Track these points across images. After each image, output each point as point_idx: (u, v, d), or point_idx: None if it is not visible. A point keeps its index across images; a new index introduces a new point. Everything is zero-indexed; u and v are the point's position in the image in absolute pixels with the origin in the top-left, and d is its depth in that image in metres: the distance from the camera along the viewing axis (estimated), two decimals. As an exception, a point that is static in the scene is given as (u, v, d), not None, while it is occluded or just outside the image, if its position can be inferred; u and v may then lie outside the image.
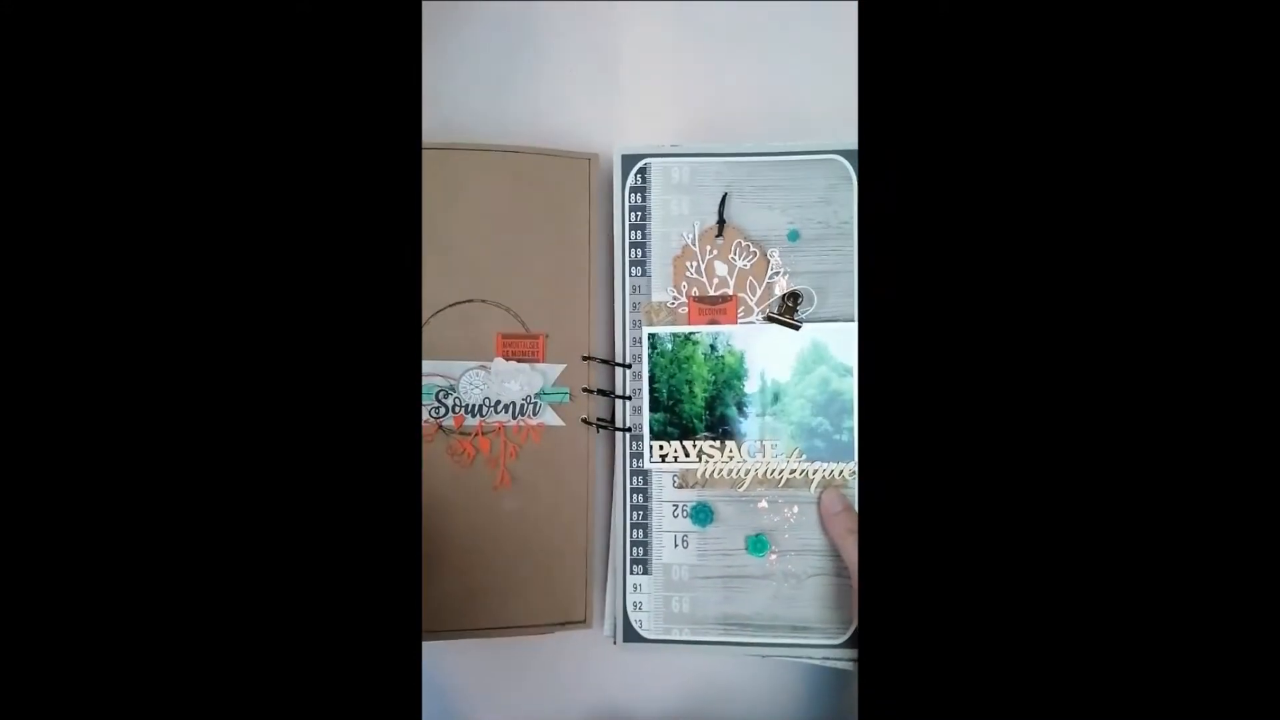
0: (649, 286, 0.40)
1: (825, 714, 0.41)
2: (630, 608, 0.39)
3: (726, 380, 0.40)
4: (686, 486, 0.39)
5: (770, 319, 0.39)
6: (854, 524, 0.37)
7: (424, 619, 0.36)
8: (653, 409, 0.40)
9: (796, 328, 0.39)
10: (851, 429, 0.38)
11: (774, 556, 0.39)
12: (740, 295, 0.40)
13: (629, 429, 0.40)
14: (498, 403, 0.39)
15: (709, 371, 0.40)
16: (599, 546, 0.40)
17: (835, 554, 0.38)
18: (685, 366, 0.40)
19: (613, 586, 0.39)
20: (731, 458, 0.39)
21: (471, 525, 0.38)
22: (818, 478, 0.39)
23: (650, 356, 0.40)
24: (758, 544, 0.39)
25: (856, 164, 0.39)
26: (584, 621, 0.38)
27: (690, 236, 0.40)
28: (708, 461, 0.39)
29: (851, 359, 0.39)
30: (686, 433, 0.39)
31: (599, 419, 0.40)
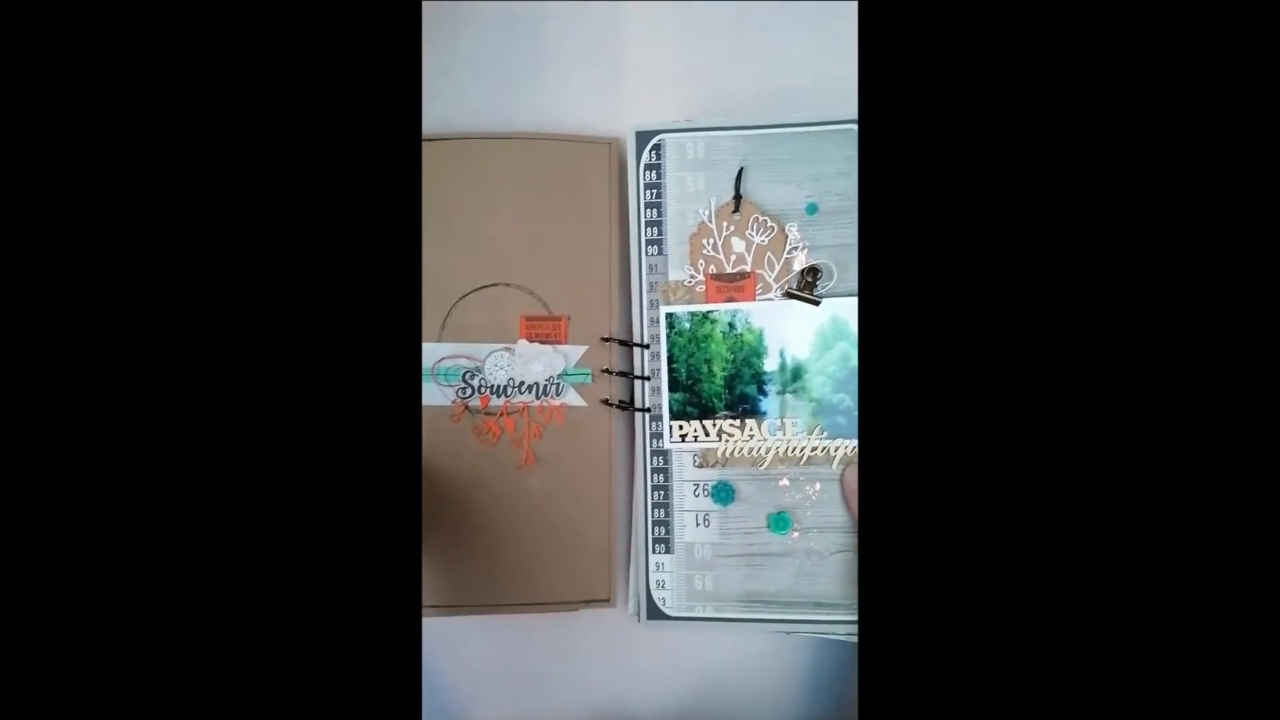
0: (666, 265, 0.40)
1: (848, 690, 0.40)
2: (653, 586, 0.39)
3: (745, 358, 0.39)
4: (707, 466, 0.39)
5: (789, 295, 0.39)
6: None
7: (450, 595, 0.38)
8: (671, 389, 0.40)
9: (816, 303, 0.38)
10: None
11: (796, 534, 0.38)
12: (758, 271, 0.39)
13: (648, 409, 0.40)
14: (522, 383, 0.40)
15: (728, 350, 0.39)
16: (621, 526, 0.41)
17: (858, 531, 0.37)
18: (704, 345, 0.40)
19: (635, 565, 0.40)
20: (752, 436, 0.39)
21: (497, 504, 0.39)
22: (840, 454, 0.38)
23: (668, 336, 0.40)
24: (780, 521, 0.38)
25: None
26: (608, 600, 0.39)
27: (707, 213, 0.40)
28: (728, 440, 0.39)
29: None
30: (706, 412, 0.39)
31: (619, 399, 0.41)
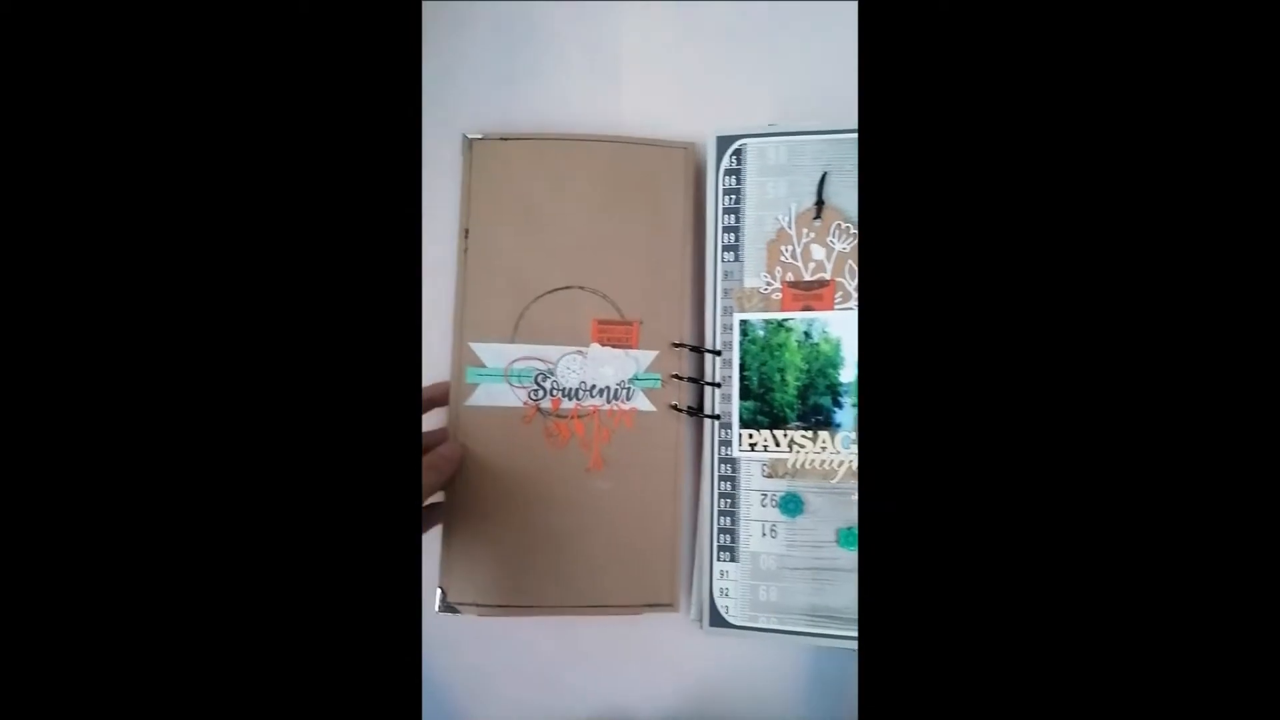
0: (741, 272, 0.39)
1: (849, 693, 0.39)
2: (717, 593, 0.39)
3: (821, 369, 0.38)
4: (776, 476, 0.39)
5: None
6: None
7: (518, 596, 0.39)
8: (742, 397, 0.39)
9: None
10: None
11: (867, 552, 0.37)
12: (838, 280, 0.38)
13: (717, 416, 0.40)
14: (593, 387, 0.41)
15: (802, 359, 0.39)
16: (686, 532, 0.41)
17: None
18: (777, 354, 0.39)
19: (699, 572, 0.40)
20: (824, 448, 0.38)
21: (566, 505, 0.40)
22: (917, 474, 0.37)
23: (741, 343, 0.39)
24: (851, 537, 0.38)
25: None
26: (671, 605, 0.39)
27: (786, 219, 0.39)
28: (799, 451, 0.38)
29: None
30: (777, 422, 0.39)
31: (688, 406, 0.40)
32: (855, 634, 0.37)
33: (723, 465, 0.40)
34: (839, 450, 0.38)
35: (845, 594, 0.38)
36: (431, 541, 0.39)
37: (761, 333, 0.39)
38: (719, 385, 0.40)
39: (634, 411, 0.41)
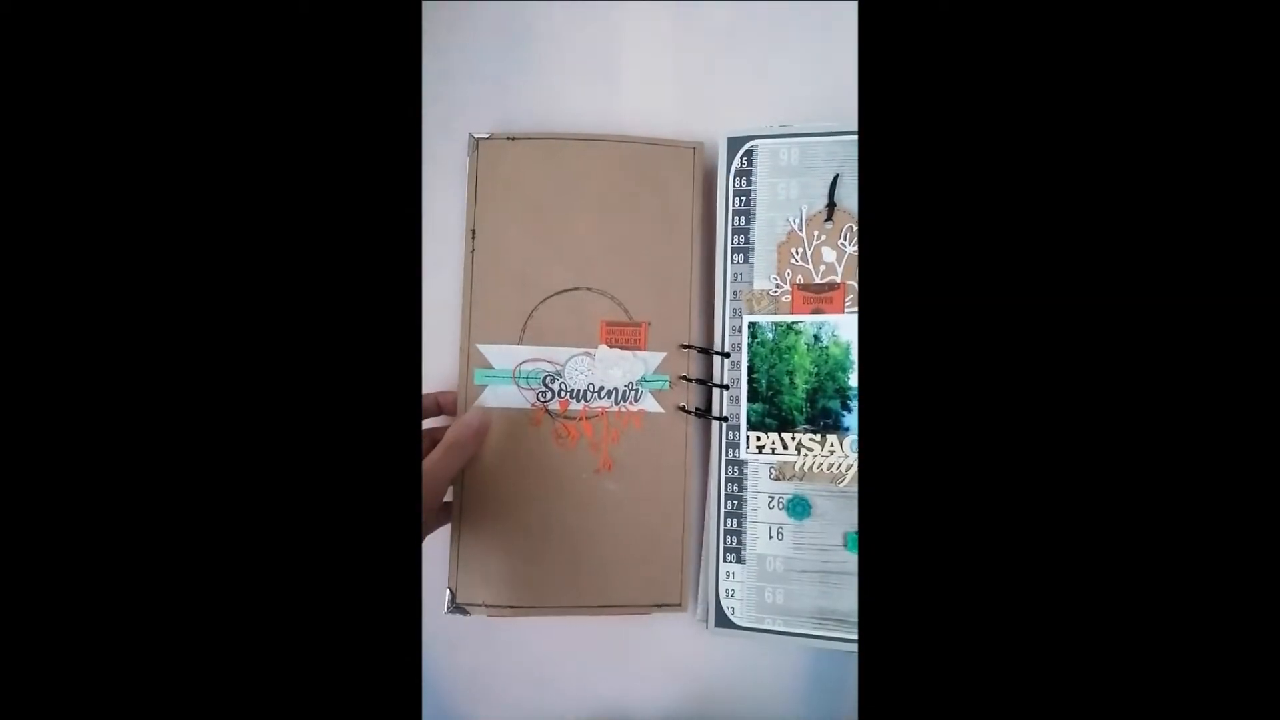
0: (751, 274, 0.39)
1: (848, 693, 0.40)
2: (723, 595, 0.39)
3: (830, 372, 0.38)
4: (784, 479, 0.39)
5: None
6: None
7: (529, 596, 0.39)
8: (750, 399, 0.39)
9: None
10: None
11: (874, 556, 0.38)
12: (848, 283, 0.38)
13: (725, 418, 0.40)
14: (601, 388, 0.40)
15: (811, 363, 0.38)
16: (694, 532, 0.41)
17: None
18: (786, 357, 0.39)
19: (705, 573, 0.40)
20: (833, 452, 0.38)
21: (575, 507, 0.40)
22: (925, 479, 0.37)
23: (750, 346, 0.39)
24: (858, 541, 0.38)
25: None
26: (679, 605, 0.40)
27: (797, 221, 0.38)
28: (807, 455, 0.38)
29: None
30: (785, 424, 0.39)
31: (696, 407, 0.40)
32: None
33: (730, 467, 0.40)
34: (847, 454, 0.38)
35: (852, 597, 0.38)
36: (440, 543, 0.39)
37: (770, 335, 0.39)
38: (727, 387, 0.40)
39: (642, 413, 0.40)
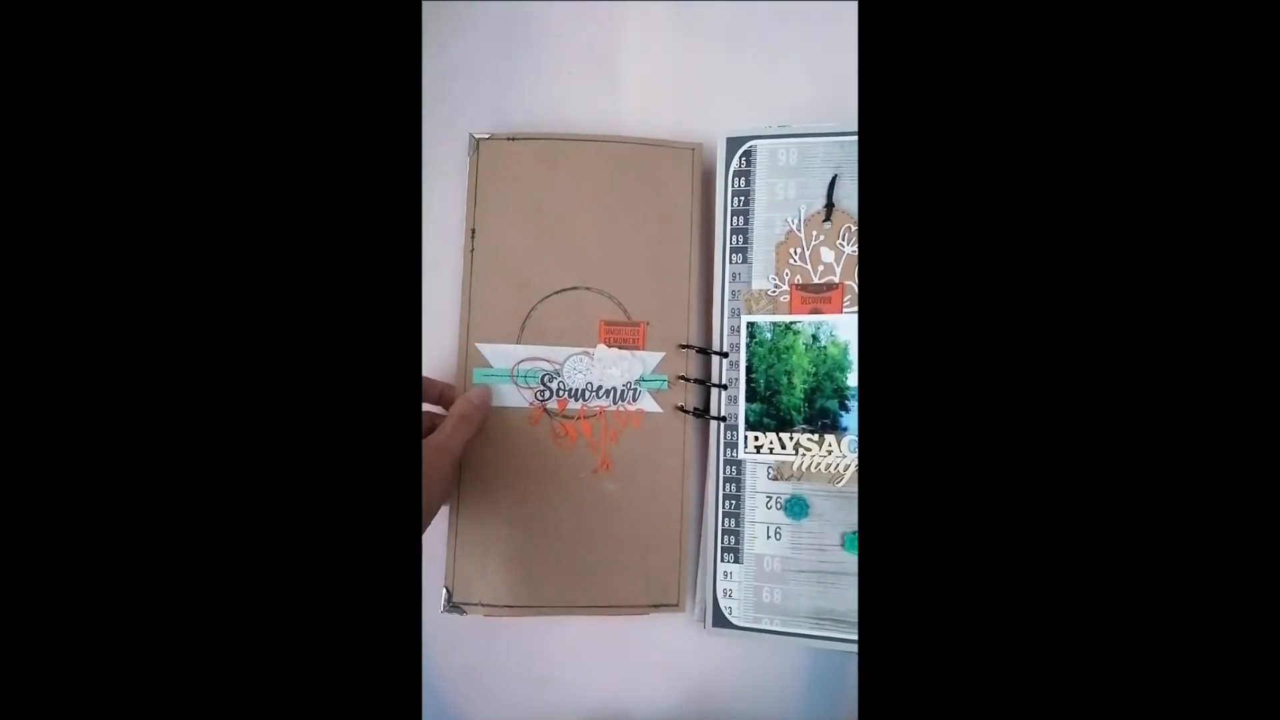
0: (749, 274, 0.39)
1: (848, 695, 0.39)
2: (720, 594, 0.39)
3: (828, 372, 0.38)
4: (781, 479, 0.39)
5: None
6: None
7: (528, 596, 0.39)
8: (749, 399, 0.39)
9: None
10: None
11: (872, 556, 0.38)
12: (846, 283, 0.38)
13: (723, 418, 0.40)
14: (599, 388, 0.40)
15: (810, 363, 0.38)
16: (692, 532, 0.41)
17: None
18: (785, 357, 0.39)
19: (703, 573, 0.40)
20: (830, 452, 0.38)
21: (573, 506, 0.40)
22: (923, 479, 0.37)
23: (748, 346, 0.39)
24: (856, 541, 0.38)
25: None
26: (676, 605, 0.40)
27: (795, 221, 0.39)
28: (805, 455, 0.38)
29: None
30: (783, 424, 0.39)
31: (695, 407, 0.40)
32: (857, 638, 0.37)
33: (728, 467, 0.40)
34: (845, 454, 0.38)
35: (849, 598, 0.38)
36: (437, 541, 0.39)
37: (769, 335, 0.39)
38: (725, 387, 0.40)
39: (640, 413, 0.40)
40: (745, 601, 0.39)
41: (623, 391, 0.40)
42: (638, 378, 0.40)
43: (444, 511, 0.39)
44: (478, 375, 0.40)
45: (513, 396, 0.40)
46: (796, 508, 0.38)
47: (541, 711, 0.41)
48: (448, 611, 0.39)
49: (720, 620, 0.39)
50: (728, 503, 0.40)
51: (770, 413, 0.39)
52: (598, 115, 0.44)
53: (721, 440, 0.40)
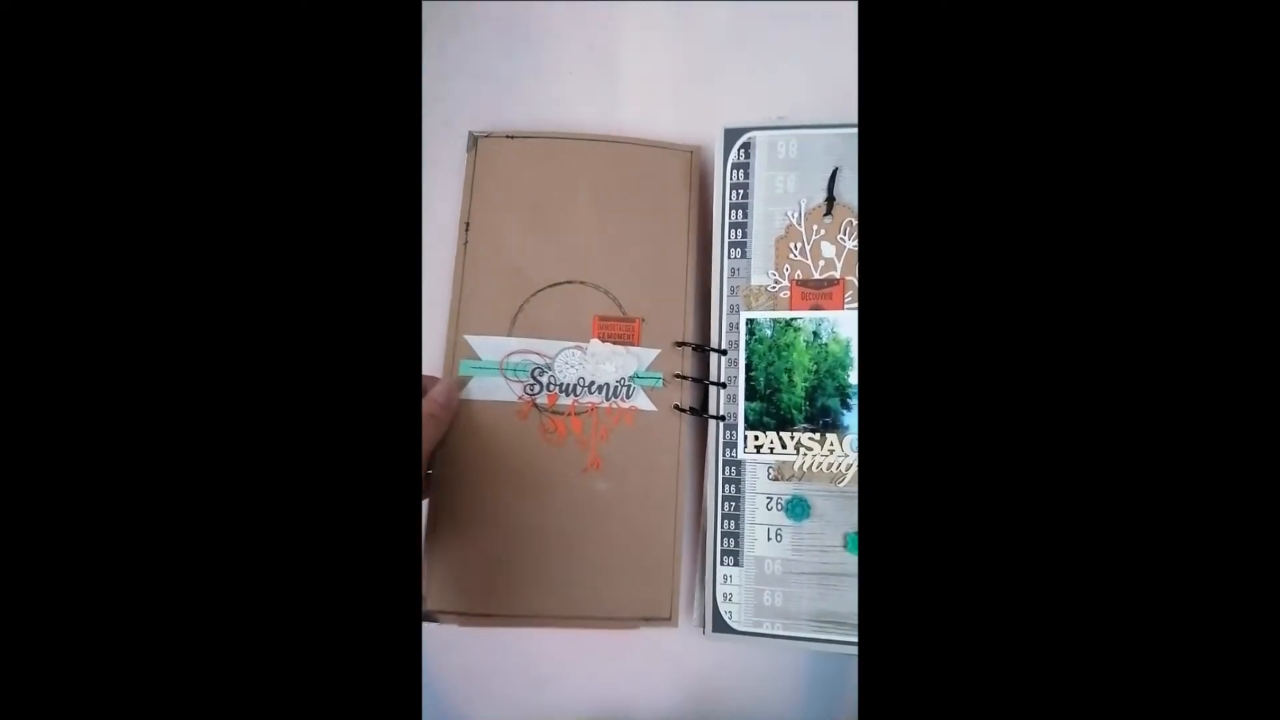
0: (749, 269, 0.38)
1: (848, 696, 0.39)
2: (720, 599, 0.38)
3: (830, 369, 0.38)
4: (782, 479, 0.38)
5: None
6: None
7: (503, 603, 0.37)
8: (748, 397, 0.38)
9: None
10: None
11: (874, 557, 0.37)
12: (848, 279, 0.37)
13: (722, 417, 0.38)
14: (591, 384, 0.39)
15: (810, 360, 0.38)
16: (687, 536, 0.40)
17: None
18: (785, 354, 0.38)
19: (703, 576, 0.39)
20: (832, 451, 0.37)
21: (560, 506, 0.38)
22: (926, 477, 0.36)
23: (748, 343, 0.38)
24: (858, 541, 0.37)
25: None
26: (669, 619, 0.37)
27: (795, 215, 0.38)
28: (806, 454, 0.37)
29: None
30: (784, 423, 0.38)
31: (691, 406, 0.39)
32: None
33: (727, 468, 0.38)
34: (847, 453, 0.37)
35: (852, 599, 0.37)
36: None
37: (769, 332, 0.38)
38: (724, 385, 0.39)
39: (634, 410, 0.39)
40: (746, 606, 0.38)
41: (616, 388, 0.39)
42: (632, 374, 0.39)
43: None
44: (464, 367, 0.39)
45: (501, 390, 0.39)
46: (798, 509, 0.37)
47: (541, 712, 0.40)
48: (422, 619, 0.36)
49: (721, 625, 0.38)
50: (727, 504, 0.38)
51: (770, 411, 0.38)
52: (597, 115, 0.43)
53: (720, 440, 0.38)
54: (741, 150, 0.38)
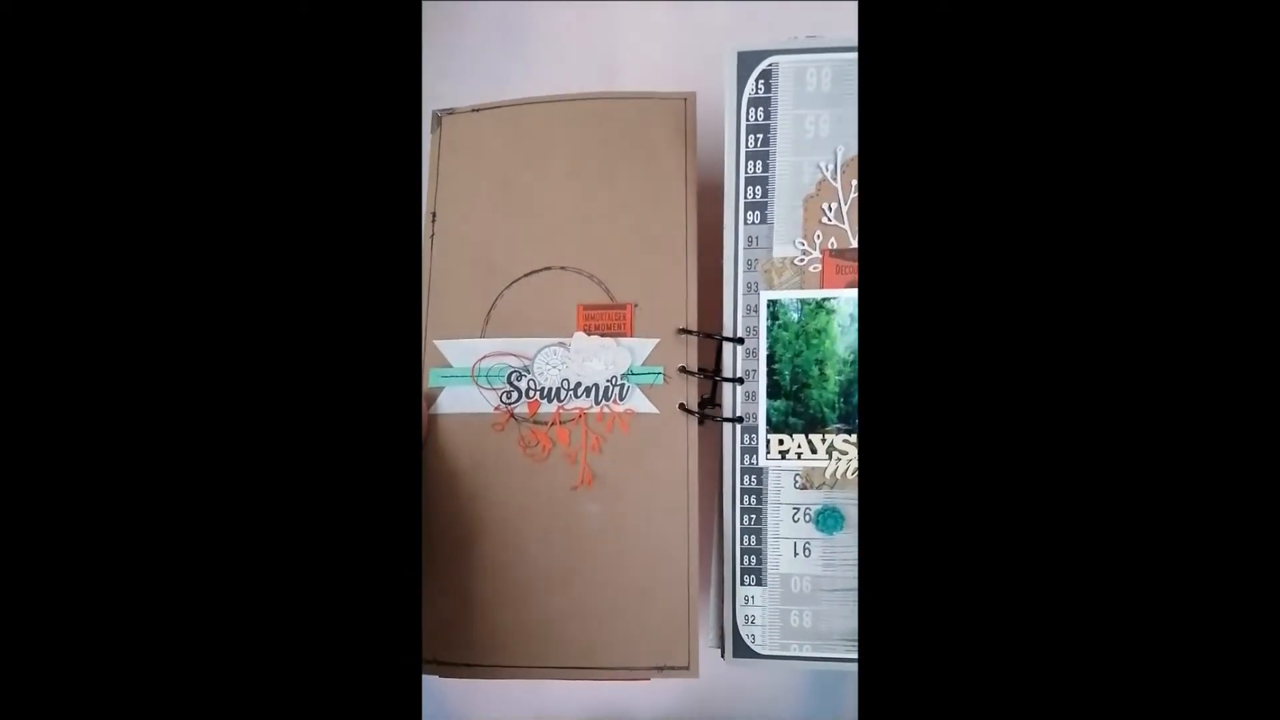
0: (770, 237, 0.31)
1: (848, 697, 0.39)
2: (741, 621, 0.33)
3: (868, 359, 0.31)
4: (811, 487, 0.32)
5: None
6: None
7: (488, 652, 0.32)
8: (771, 395, 0.32)
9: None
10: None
11: (919, 574, 0.32)
12: (893, 248, 0.30)
13: (740, 419, 0.32)
14: (578, 385, 0.33)
15: (846, 349, 0.31)
16: (700, 557, 0.34)
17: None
18: (815, 342, 0.31)
19: (720, 599, 0.34)
20: (870, 455, 0.32)
21: (547, 535, 0.32)
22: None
23: (770, 329, 0.32)
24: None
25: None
26: (687, 668, 0.32)
27: (830, 167, 0.30)
28: (839, 459, 0.32)
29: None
30: (814, 424, 0.32)
31: (701, 406, 0.33)
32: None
33: (747, 476, 0.33)
34: (888, 457, 0.32)
35: (890, 617, 0.33)
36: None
37: (795, 315, 0.31)
38: (741, 381, 0.32)
39: (630, 414, 0.33)
40: (770, 628, 0.33)
41: (607, 389, 0.33)
42: (625, 371, 0.32)
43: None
44: (435, 377, 0.33)
45: (474, 400, 0.33)
46: (830, 520, 0.32)
47: (541, 712, 0.40)
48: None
49: (742, 650, 0.33)
50: (746, 518, 0.33)
51: (798, 410, 0.32)
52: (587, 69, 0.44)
53: (737, 445, 0.33)
54: (760, 82, 0.29)
